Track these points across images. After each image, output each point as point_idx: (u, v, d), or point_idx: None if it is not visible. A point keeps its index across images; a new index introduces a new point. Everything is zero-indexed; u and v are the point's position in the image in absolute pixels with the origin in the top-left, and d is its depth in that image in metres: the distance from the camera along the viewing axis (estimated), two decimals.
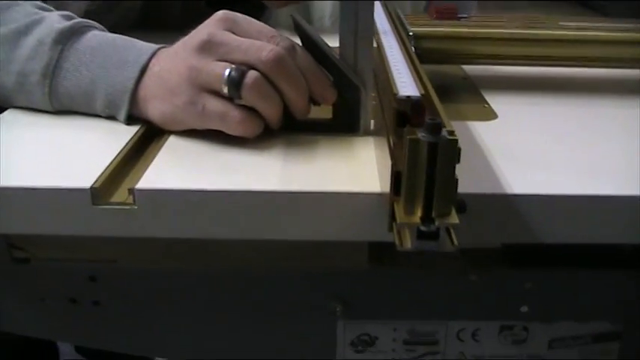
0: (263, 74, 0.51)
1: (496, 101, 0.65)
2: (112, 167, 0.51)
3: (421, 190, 0.37)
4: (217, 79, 0.51)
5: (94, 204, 0.47)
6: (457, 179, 0.39)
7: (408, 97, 0.39)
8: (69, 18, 0.61)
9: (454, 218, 0.38)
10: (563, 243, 0.48)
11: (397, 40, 0.57)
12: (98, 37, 0.60)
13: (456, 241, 0.38)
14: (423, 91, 0.40)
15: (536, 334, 0.57)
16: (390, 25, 0.61)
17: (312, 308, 0.53)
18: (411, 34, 0.66)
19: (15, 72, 0.58)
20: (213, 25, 0.54)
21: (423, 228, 0.37)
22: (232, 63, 0.51)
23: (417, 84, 0.42)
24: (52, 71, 0.58)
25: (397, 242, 0.38)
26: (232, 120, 0.52)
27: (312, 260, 0.52)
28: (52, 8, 0.64)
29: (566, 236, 0.48)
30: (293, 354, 0.55)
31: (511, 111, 0.63)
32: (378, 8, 0.70)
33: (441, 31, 0.67)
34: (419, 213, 0.38)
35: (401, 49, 0.54)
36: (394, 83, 0.42)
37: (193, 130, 0.55)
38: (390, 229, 0.40)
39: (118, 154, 0.52)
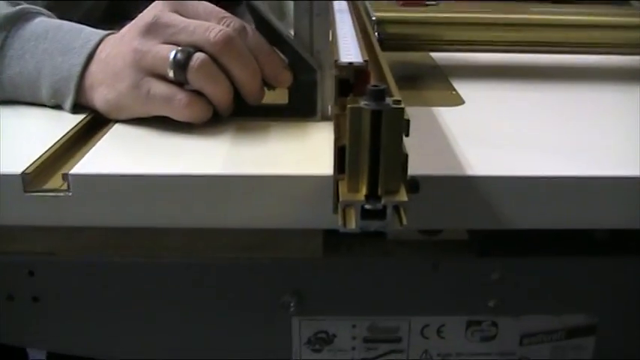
0: (211, 56, 0.48)
1: (464, 88, 0.63)
2: (48, 154, 0.47)
3: (365, 164, 0.34)
4: (163, 61, 0.48)
5: (25, 191, 0.44)
6: (407, 154, 0.36)
7: (350, 63, 0.36)
8: (14, 4, 0.57)
9: (402, 196, 0.35)
10: (531, 229, 0.45)
11: (352, 17, 0.54)
12: (44, 22, 0.56)
13: (405, 221, 0.34)
14: (367, 58, 0.37)
15: (506, 330, 0.53)
16: (349, 6, 0.58)
17: (263, 303, 0.50)
18: (373, 18, 0.63)
19: None
20: (159, 7, 0.50)
21: (367, 206, 0.34)
22: (179, 45, 0.48)
23: (362, 51, 0.39)
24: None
25: (341, 223, 0.35)
26: (178, 104, 0.49)
27: (263, 250, 0.49)
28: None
29: (534, 221, 0.45)
30: (244, 354, 0.52)
31: (478, 97, 0.61)
32: None
33: (404, 16, 0.65)
34: (364, 190, 0.35)
35: (353, 24, 0.51)
36: (337, 50, 0.39)
37: (142, 118, 0.51)
38: (335, 210, 0.37)
39: (58, 140, 0.49)
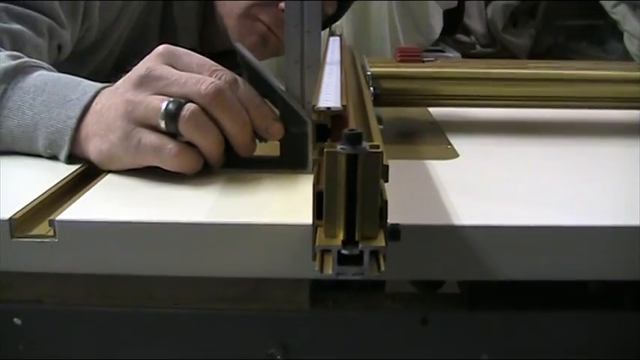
0: (202, 108, 0.49)
1: (460, 142, 0.63)
2: (38, 200, 0.48)
3: (342, 209, 0.34)
4: (154, 112, 0.49)
5: (12, 236, 0.44)
6: (386, 200, 0.36)
7: (328, 108, 0.36)
8: (15, 57, 0.59)
9: (380, 241, 0.34)
10: (522, 281, 0.45)
11: (340, 69, 0.55)
12: (43, 76, 0.57)
13: (383, 267, 0.34)
14: (345, 103, 0.37)
15: None
16: (341, 58, 0.59)
17: (250, 356, 0.49)
18: (369, 73, 0.64)
19: None
20: (152, 60, 0.52)
21: (344, 251, 0.34)
22: (171, 97, 0.49)
23: (342, 96, 0.39)
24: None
25: (318, 268, 0.34)
26: (168, 154, 0.49)
27: (249, 302, 0.48)
28: (0, 49, 0.63)
29: (525, 273, 0.44)
30: None
31: (473, 151, 0.61)
32: (335, 44, 0.69)
33: (399, 71, 0.66)
34: (340, 236, 0.35)
35: (340, 74, 0.52)
36: (317, 95, 0.39)
37: (136, 169, 0.52)
38: (314, 257, 0.37)
39: (49, 189, 0.50)
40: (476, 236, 0.44)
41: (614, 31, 1.60)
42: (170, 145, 0.49)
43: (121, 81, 0.53)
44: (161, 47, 0.52)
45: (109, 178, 0.52)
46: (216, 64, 0.52)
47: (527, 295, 0.49)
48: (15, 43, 0.68)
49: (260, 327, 0.48)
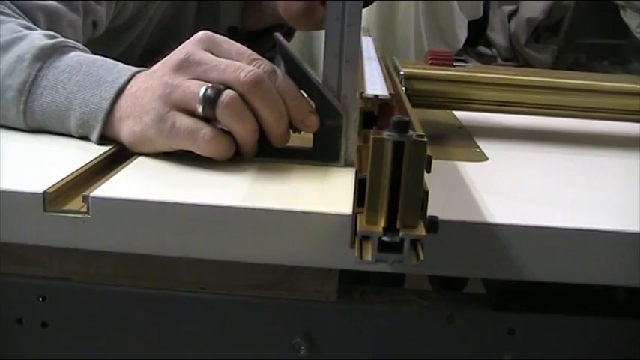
0: (240, 95, 0.49)
1: (489, 147, 0.63)
2: (72, 176, 0.48)
3: (385, 196, 0.34)
4: (192, 96, 0.49)
5: (45, 210, 0.44)
6: (427, 191, 0.36)
7: (376, 96, 0.36)
8: (52, 37, 0.59)
9: (421, 230, 0.35)
10: (548, 282, 0.45)
11: (379, 61, 0.55)
12: (79, 56, 0.58)
13: (422, 256, 0.34)
14: (392, 92, 0.37)
15: None
16: (377, 56, 0.59)
17: (274, 343, 0.49)
18: (402, 72, 0.64)
19: None
20: (192, 45, 0.52)
21: (385, 238, 0.34)
22: (209, 82, 0.49)
23: (388, 86, 0.39)
24: (29, 88, 0.56)
25: (357, 254, 0.34)
26: (202, 138, 0.49)
27: (277, 290, 0.48)
28: (36, 28, 0.63)
29: (552, 274, 0.44)
30: None
31: (502, 155, 0.61)
32: (368, 43, 0.69)
33: (432, 73, 0.66)
34: (382, 223, 0.35)
35: (381, 66, 0.52)
36: (363, 83, 0.39)
37: (168, 153, 0.52)
38: (352, 244, 0.37)
39: (83, 166, 0.50)
40: (507, 235, 0.44)
41: (638, 51, 1.60)
42: (204, 130, 0.49)
43: (159, 64, 0.52)
44: (201, 33, 0.52)
45: (142, 160, 0.52)
46: (255, 53, 0.52)
47: (552, 297, 0.49)
48: (50, 20, 0.68)
49: (286, 316, 0.48)
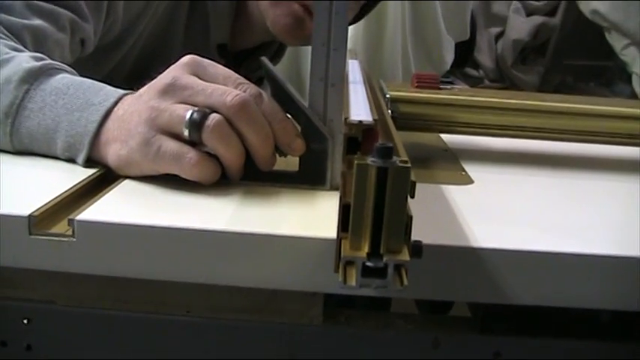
0: (227, 119, 0.49)
1: (474, 170, 0.64)
2: (58, 199, 0.48)
3: (369, 222, 0.34)
4: (178, 120, 0.49)
5: (31, 234, 0.44)
6: (411, 216, 0.36)
7: (360, 121, 0.37)
8: (39, 59, 0.59)
9: (405, 255, 0.35)
10: (533, 306, 0.45)
11: (364, 85, 0.55)
12: (66, 79, 0.58)
13: (406, 281, 0.34)
14: (376, 117, 0.38)
15: None
16: (363, 79, 0.60)
17: None
18: (387, 96, 0.64)
19: None
20: (178, 69, 0.52)
21: (369, 263, 0.34)
22: (196, 106, 0.50)
23: (372, 111, 0.40)
24: (16, 110, 0.56)
25: (341, 279, 0.35)
26: (188, 162, 0.49)
27: (262, 314, 0.48)
28: (23, 49, 0.63)
29: (536, 298, 0.45)
30: None
31: (487, 178, 0.62)
32: (354, 66, 0.69)
33: (418, 96, 0.66)
34: (366, 248, 0.35)
35: (366, 90, 0.52)
36: (348, 109, 0.40)
37: (154, 176, 0.52)
38: (337, 269, 0.37)
39: (69, 189, 0.50)
40: (492, 259, 0.44)
41: (623, 72, 1.62)
42: (190, 154, 0.49)
43: (145, 88, 0.53)
44: (187, 57, 0.53)
45: (128, 183, 0.52)
46: (242, 77, 0.52)
47: (537, 320, 0.50)
48: (36, 40, 0.68)
49: (271, 339, 0.48)
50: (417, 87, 0.71)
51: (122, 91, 0.56)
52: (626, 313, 0.46)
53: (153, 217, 0.45)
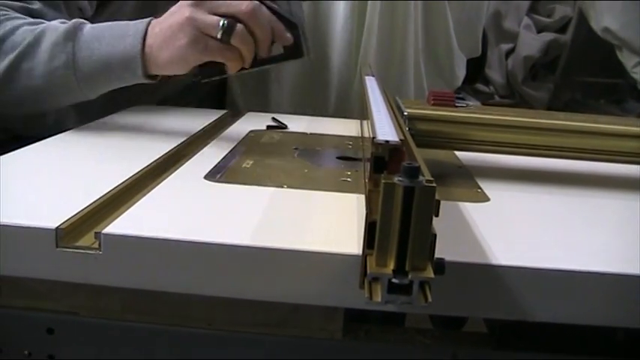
0: (243, 23, 0.69)
1: (490, 187, 0.64)
2: (84, 212, 0.49)
3: (395, 239, 0.35)
4: (214, 26, 0.68)
5: (58, 246, 0.45)
6: (435, 234, 0.37)
7: (387, 141, 0.37)
8: (64, 22, 0.74)
9: (429, 273, 0.35)
10: (549, 323, 0.46)
11: (385, 103, 0.56)
12: (95, 27, 0.74)
13: (430, 298, 0.35)
14: (402, 137, 0.39)
15: None
16: (383, 97, 0.61)
17: None
18: (405, 114, 0.65)
19: (40, 75, 0.73)
20: None
21: (394, 280, 0.35)
22: (219, 14, 0.68)
23: (397, 131, 0.41)
24: (72, 61, 0.72)
25: (367, 295, 0.35)
26: (230, 53, 0.69)
27: (283, 328, 0.49)
28: (43, 20, 0.76)
29: (554, 315, 0.45)
30: None
31: (503, 195, 0.62)
32: (372, 83, 0.70)
33: (435, 114, 0.67)
34: (391, 265, 0.36)
35: (387, 108, 0.53)
36: (374, 128, 0.41)
37: (182, 186, 0.56)
38: (362, 285, 0.38)
39: (96, 200, 0.51)
40: (510, 276, 0.45)
41: (634, 90, 1.62)
42: (229, 50, 0.69)
43: (175, 7, 0.71)
44: None
45: (156, 192, 0.54)
46: None
47: (553, 337, 0.50)
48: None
49: (292, 353, 0.49)
50: (433, 104, 0.71)
51: (146, 19, 0.72)
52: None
53: (177, 231, 0.46)
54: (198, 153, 0.71)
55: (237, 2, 0.69)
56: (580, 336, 0.50)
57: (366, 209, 0.37)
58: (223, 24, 0.68)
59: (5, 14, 0.76)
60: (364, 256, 0.37)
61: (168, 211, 0.51)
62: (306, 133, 0.88)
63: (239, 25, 0.68)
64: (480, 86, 1.79)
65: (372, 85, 0.66)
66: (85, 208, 0.49)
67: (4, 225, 0.45)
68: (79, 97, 0.75)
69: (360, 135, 0.83)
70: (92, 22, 0.76)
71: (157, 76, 0.74)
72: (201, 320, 0.49)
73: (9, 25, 0.74)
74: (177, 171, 0.62)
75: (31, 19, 0.76)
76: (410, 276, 0.35)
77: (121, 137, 0.78)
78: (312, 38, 0.77)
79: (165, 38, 0.70)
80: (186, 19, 0.68)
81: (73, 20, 0.74)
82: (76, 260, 0.45)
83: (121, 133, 0.80)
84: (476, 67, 1.57)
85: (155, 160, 0.65)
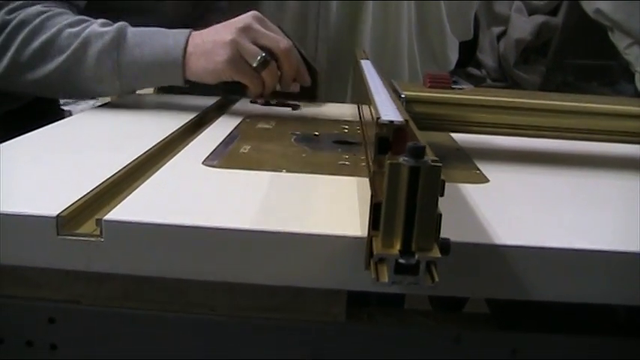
0: (277, 57, 0.81)
1: (488, 169, 0.64)
2: (85, 198, 0.48)
3: (401, 220, 0.35)
4: (253, 55, 0.79)
5: (58, 234, 0.45)
6: (440, 214, 0.36)
7: (391, 121, 0.37)
8: (105, 24, 0.81)
9: (435, 252, 0.35)
10: (552, 301, 0.46)
11: (385, 86, 0.56)
12: (136, 34, 0.81)
13: (437, 278, 0.35)
14: (407, 118, 0.38)
15: None
16: (381, 80, 0.60)
17: None
18: (403, 96, 0.65)
19: (87, 79, 0.80)
20: (250, 17, 0.81)
21: (401, 260, 0.35)
22: (259, 44, 0.79)
23: (400, 111, 0.40)
24: (117, 66, 0.79)
25: (373, 276, 0.35)
26: (257, 80, 0.81)
27: (285, 312, 0.48)
28: (88, 19, 0.82)
29: (556, 294, 0.45)
30: None
31: (503, 177, 0.62)
32: (369, 66, 0.70)
33: (432, 96, 0.67)
34: (398, 246, 0.35)
35: (387, 90, 0.53)
36: (377, 109, 0.40)
37: (183, 170, 0.56)
38: (367, 266, 0.37)
39: (96, 186, 0.51)
40: (513, 256, 0.44)
41: (626, 71, 1.62)
42: (258, 78, 0.81)
43: (219, 26, 0.81)
44: (254, 12, 0.81)
45: (157, 176, 0.54)
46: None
47: (555, 317, 0.50)
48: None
49: (295, 337, 0.49)
50: (430, 87, 0.71)
51: (185, 31, 0.81)
52: None
53: (179, 216, 0.45)
54: (195, 139, 0.71)
55: (278, 38, 0.80)
56: (582, 315, 0.50)
57: (371, 190, 0.37)
58: (261, 57, 0.79)
59: (46, 11, 0.81)
60: (370, 237, 0.37)
61: (168, 197, 0.50)
62: (301, 117, 0.87)
63: (273, 62, 0.80)
64: (472, 70, 1.79)
65: (368, 69, 0.66)
66: (86, 194, 0.49)
67: (3, 214, 0.45)
68: (116, 93, 0.85)
69: (356, 119, 0.83)
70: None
71: (188, 81, 0.81)
72: (204, 306, 0.49)
73: (53, 27, 0.80)
74: (175, 157, 0.62)
75: (71, 19, 0.81)
76: (416, 256, 0.35)
77: (120, 123, 0.79)
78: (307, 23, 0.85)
79: (206, 50, 0.79)
80: (230, 40, 0.78)
81: (116, 26, 0.81)
82: (77, 248, 0.45)
83: (119, 120, 0.80)
84: (468, 51, 1.57)
85: (151, 148, 0.64)
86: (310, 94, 0.87)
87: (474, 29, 1.49)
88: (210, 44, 0.78)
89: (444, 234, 0.38)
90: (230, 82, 0.81)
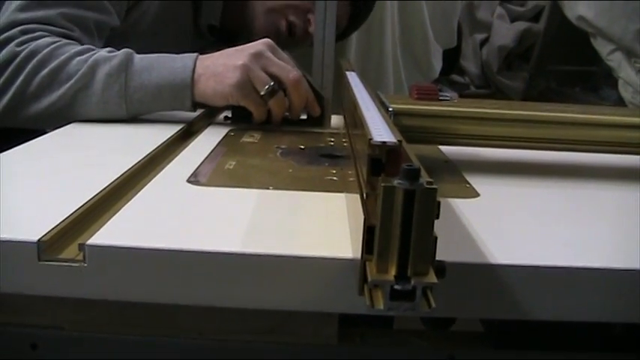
0: (285, 87, 0.82)
1: (478, 182, 0.63)
2: (67, 222, 0.47)
3: (395, 244, 0.34)
4: (262, 83, 0.80)
5: (40, 260, 0.43)
6: (436, 237, 0.35)
7: (384, 142, 0.36)
8: (112, 51, 0.83)
9: (432, 277, 0.34)
10: (546, 321, 0.45)
11: (373, 101, 0.55)
12: (143, 59, 0.82)
13: (433, 303, 0.34)
14: (400, 138, 0.37)
15: None
16: (369, 94, 0.59)
17: None
18: (390, 109, 0.64)
19: (94, 103, 0.80)
20: (262, 45, 0.82)
21: (397, 287, 0.34)
22: (269, 72, 0.80)
23: (393, 132, 0.39)
24: (124, 90, 0.80)
25: (368, 303, 0.34)
26: (262, 107, 0.82)
27: (276, 335, 0.47)
28: (94, 47, 0.84)
29: (551, 313, 0.44)
30: None
31: (493, 190, 0.61)
32: (355, 80, 0.69)
33: (420, 109, 0.66)
34: (393, 271, 0.34)
35: (376, 105, 0.52)
36: (368, 129, 0.39)
37: (169, 192, 0.55)
38: (361, 291, 0.36)
39: (77, 209, 0.49)
40: (507, 275, 0.44)
41: (609, 77, 1.63)
42: (264, 106, 0.82)
43: (231, 50, 0.82)
44: (267, 40, 0.83)
45: (140, 196, 0.53)
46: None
47: (550, 335, 0.49)
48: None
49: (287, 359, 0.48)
50: (417, 99, 0.70)
51: (192, 55, 0.82)
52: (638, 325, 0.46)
53: (163, 239, 0.44)
54: (180, 154, 0.69)
55: (288, 68, 0.81)
56: (578, 332, 0.49)
57: (364, 213, 0.36)
58: (269, 86, 0.80)
59: (56, 42, 0.82)
60: (363, 261, 0.36)
61: (152, 219, 0.49)
62: (286, 130, 0.86)
63: (280, 92, 0.81)
64: (456, 77, 1.79)
65: (355, 82, 0.65)
66: (68, 217, 0.47)
67: None
68: (121, 118, 0.82)
69: (341, 130, 0.82)
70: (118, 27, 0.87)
71: (196, 105, 0.83)
72: (192, 330, 0.48)
73: (63, 55, 0.81)
74: (159, 175, 0.60)
75: (80, 48, 0.83)
76: (413, 282, 0.34)
77: (102, 137, 0.77)
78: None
79: (215, 72, 0.80)
80: (242, 65, 0.79)
81: (123, 51, 0.82)
82: (59, 273, 0.44)
83: (101, 133, 0.79)
84: (451, 58, 1.57)
85: (135, 164, 0.63)
86: (318, 121, 0.88)
87: (457, 37, 1.49)
88: (221, 67, 0.80)
89: (438, 254, 0.37)
90: (237, 106, 0.82)
